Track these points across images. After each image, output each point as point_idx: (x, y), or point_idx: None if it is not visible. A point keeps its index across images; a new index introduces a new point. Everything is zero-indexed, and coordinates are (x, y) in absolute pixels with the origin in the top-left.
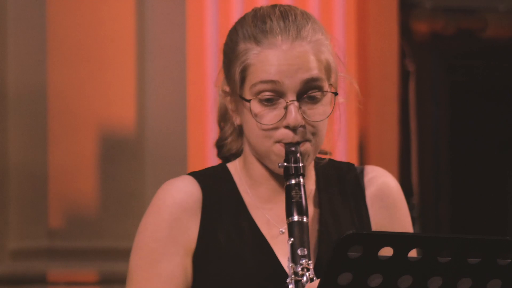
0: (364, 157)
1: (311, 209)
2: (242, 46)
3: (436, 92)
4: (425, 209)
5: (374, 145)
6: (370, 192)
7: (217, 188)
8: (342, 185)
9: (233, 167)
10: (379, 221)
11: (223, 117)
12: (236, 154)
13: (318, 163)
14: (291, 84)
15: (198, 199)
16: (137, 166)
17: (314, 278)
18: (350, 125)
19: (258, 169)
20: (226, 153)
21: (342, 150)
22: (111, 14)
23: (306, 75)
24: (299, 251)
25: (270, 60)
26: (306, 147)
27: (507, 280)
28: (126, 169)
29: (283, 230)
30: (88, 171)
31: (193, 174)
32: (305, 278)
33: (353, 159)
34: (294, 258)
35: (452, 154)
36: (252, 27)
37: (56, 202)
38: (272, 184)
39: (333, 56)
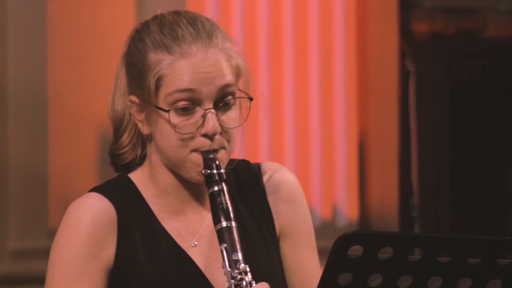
0: (364, 157)
1: None
2: (153, 56)
3: (436, 92)
4: (425, 209)
5: (374, 145)
6: (270, 189)
7: (126, 202)
8: (240, 186)
9: (137, 177)
10: (282, 217)
11: (118, 128)
12: (130, 164)
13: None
14: (208, 92)
15: (113, 216)
16: None
17: (253, 282)
18: (350, 125)
19: (167, 179)
20: (120, 162)
21: (342, 150)
22: (111, 14)
23: (222, 82)
24: (233, 256)
25: (185, 69)
26: (221, 154)
27: (507, 280)
28: None
29: (195, 243)
30: (88, 171)
31: (98, 190)
32: (244, 283)
33: (353, 159)
34: (230, 264)
35: (452, 154)
36: (161, 36)
37: (56, 202)
38: (180, 194)
39: (242, 61)
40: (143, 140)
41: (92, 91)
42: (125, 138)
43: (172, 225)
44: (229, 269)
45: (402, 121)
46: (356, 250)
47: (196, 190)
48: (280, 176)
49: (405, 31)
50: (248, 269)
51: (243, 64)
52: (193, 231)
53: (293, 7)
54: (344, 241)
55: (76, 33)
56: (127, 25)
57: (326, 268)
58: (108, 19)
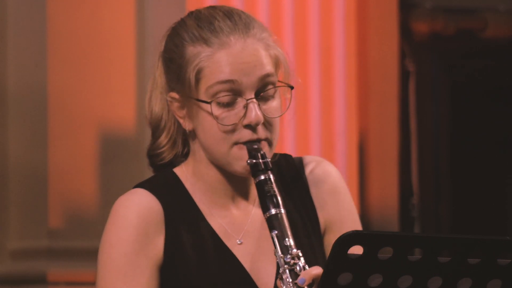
0: (364, 157)
1: (259, 211)
2: (191, 49)
3: (436, 92)
4: (425, 209)
5: (374, 145)
6: (312, 182)
7: (173, 199)
8: (284, 180)
9: (182, 173)
10: (326, 210)
11: (157, 127)
12: (169, 164)
13: None
14: (249, 82)
15: (160, 213)
16: (137, 166)
17: (306, 267)
18: (350, 125)
19: (212, 173)
20: (158, 162)
21: (342, 150)
22: (111, 14)
23: (262, 72)
24: (284, 242)
25: (225, 60)
26: (265, 145)
27: (507, 280)
28: (126, 169)
29: (241, 240)
30: (88, 171)
31: (145, 186)
32: (298, 267)
33: (353, 159)
34: (282, 250)
35: (452, 154)
36: (198, 29)
37: (56, 202)
38: (225, 189)
39: (280, 51)
40: (185, 137)
41: (92, 91)
42: (164, 138)
43: (218, 222)
44: (282, 255)
45: (402, 121)
46: (356, 250)
47: (240, 184)
48: (322, 169)
49: (405, 31)
50: (300, 253)
51: (282, 53)
52: (239, 228)
53: (293, 7)
54: (344, 241)
55: (76, 33)
56: (127, 25)
57: (326, 268)
58: (108, 19)
